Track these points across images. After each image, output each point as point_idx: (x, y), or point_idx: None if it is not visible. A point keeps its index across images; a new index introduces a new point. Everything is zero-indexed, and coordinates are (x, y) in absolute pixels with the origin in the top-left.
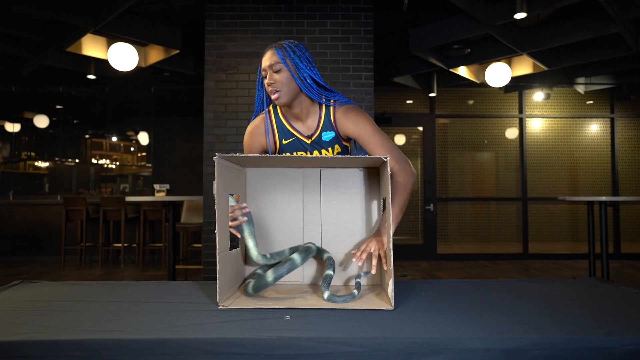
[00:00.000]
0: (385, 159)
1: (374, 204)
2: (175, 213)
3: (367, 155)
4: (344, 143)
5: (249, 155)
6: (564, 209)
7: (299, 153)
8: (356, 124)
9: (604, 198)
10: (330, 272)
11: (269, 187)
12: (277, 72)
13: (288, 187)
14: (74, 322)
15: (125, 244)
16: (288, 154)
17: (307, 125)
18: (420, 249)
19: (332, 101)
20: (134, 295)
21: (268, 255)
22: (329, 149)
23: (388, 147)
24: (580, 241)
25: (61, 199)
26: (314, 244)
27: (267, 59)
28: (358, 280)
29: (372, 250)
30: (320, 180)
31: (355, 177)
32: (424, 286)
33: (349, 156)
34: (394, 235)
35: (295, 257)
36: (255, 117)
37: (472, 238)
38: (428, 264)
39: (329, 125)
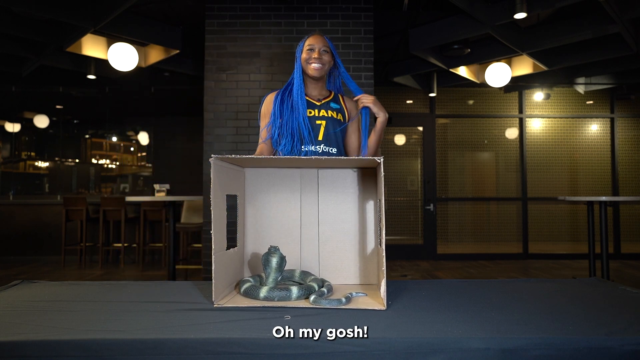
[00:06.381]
0: (379, 160)
1: (369, 204)
2: (175, 213)
3: (361, 157)
4: (346, 120)
5: (245, 156)
6: (564, 209)
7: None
8: (358, 110)
9: (603, 198)
10: (324, 290)
11: (267, 187)
12: (324, 53)
13: (286, 187)
14: (74, 322)
15: (125, 244)
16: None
17: (320, 95)
18: (420, 249)
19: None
20: (134, 295)
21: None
22: (332, 113)
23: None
24: (580, 241)
25: (61, 199)
26: (319, 283)
27: (320, 41)
28: (349, 295)
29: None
30: (317, 181)
31: (351, 178)
32: (424, 286)
33: (344, 157)
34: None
35: (294, 290)
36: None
37: (472, 238)
38: (428, 264)
39: (337, 100)
